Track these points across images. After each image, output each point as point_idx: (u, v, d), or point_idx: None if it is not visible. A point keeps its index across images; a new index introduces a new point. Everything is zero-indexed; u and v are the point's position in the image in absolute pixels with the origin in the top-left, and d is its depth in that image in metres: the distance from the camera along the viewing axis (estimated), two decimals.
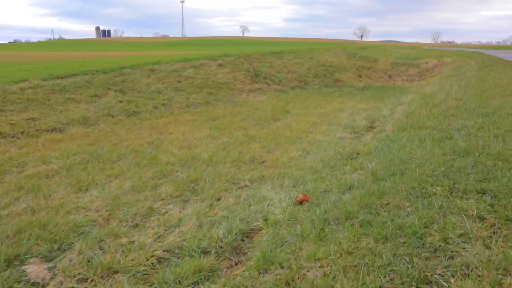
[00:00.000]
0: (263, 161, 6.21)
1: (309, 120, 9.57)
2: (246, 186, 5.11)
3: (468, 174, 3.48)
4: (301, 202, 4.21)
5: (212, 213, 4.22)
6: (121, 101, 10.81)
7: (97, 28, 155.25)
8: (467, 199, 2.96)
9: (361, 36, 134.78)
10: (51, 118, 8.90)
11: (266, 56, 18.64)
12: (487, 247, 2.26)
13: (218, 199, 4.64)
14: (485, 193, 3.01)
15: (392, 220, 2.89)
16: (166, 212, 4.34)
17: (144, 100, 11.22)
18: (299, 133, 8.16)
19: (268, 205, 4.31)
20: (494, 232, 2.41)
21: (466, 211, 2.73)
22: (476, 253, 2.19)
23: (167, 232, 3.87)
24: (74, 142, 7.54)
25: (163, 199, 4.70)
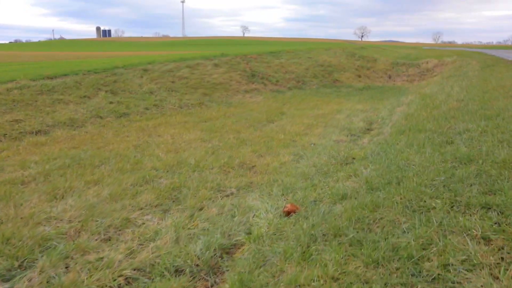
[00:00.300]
0: (252, 166, 5.87)
1: (304, 122, 9.23)
2: (232, 194, 4.77)
3: (471, 185, 3.14)
4: (288, 213, 3.88)
5: (192, 225, 3.89)
6: (111, 102, 10.48)
7: (98, 28, 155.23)
8: (470, 215, 2.62)
9: (362, 36, 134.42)
10: (37, 120, 8.58)
11: (264, 56, 18.30)
12: (495, 277, 1.93)
13: (201, 209, 4.31)
14: (490, 208, 2.67)
15: (385, 240, 2.56)
16: (143, 223, 4.01)
17: (135, 101, 10.89)
18: (293, 136, 7.82)
19: (253, 216, 3.98)
20: (502, 258, 2.07)
21: (469, 230, 2.39)
22: (482, 286, 1.86)
23: (140, 247, 3.54)
24: (57, 146, 7.21)
25: (141, 209, 4.37)
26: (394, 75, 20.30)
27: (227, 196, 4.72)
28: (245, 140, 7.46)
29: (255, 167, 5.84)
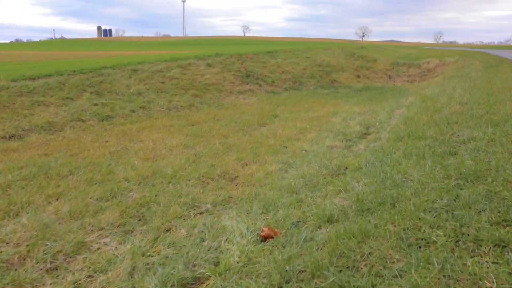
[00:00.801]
0: (235, 177, 5.33)
1: (298, 125, 8.68)
2: (207, 211, 4.24)
3: (480, 212, 2.59)
4: (265, 238, 3.34)
5: (153, 252, 3.35)
6: (95, 104, 9.96)
7: (99, 28, 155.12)
8: (481, 256, 2.08)
9: (363, 36, 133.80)
10: (12, 124, 8.05)
11: (260, 55, 17.75)
12: None
13: (168, 230, 3.77)
14: (505, 246, 2.13)
15: (373, 287, 2.01)
16: (99, 248, 3.47)
17: (121, 103, 10.36)
18: (284, 141, 7.28)
19: (225, 240, 3.44)
20: None
21: (480, 280, 1.85)
22: None
23: (89, 280, 3.01)
24: (29, 152, 6.68)
25: (102, 229, 3.84)
26: (394, 75, 19.74)
27: (201, 213, 4.18)
28: (231, 146, 6.93)
29: (238, 177, 5.30)
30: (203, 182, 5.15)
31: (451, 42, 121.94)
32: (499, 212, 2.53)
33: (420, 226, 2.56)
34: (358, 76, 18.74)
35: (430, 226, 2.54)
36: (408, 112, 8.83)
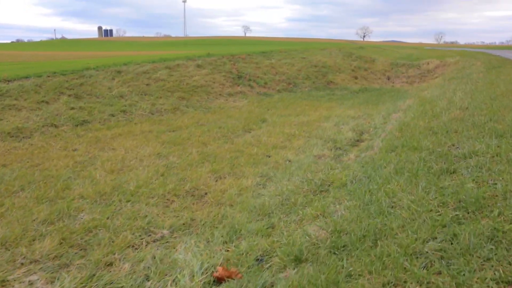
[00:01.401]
0: (205, 194, 4.72)
1: (286, 131, 8.06)
2: (162, 238, 3.62)
3: (483, 262, 1.97)
4: (219, 280, 2.73)
5: None
6: (72, 108, 9.35)
7: (99, 28, 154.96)
8: None
9: (364, 36, 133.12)
10: None
11: (254, 56, 17.12)
12: None
13: (109, 265, 3.16)
14: None
15: None
16: None
17: (101, 107, 9.76)
18: (268, 150, 6.66)
19: (173, 281, 2.83)
20: None
21: None
22: None
23: None
24: None
25: (33, 263, 3.23)
26: (393, 76, 19.10)
27: (155, 241, 3.57)
28: (209, 155, 6.31)
29: (208, 194, 4.68)
30: (167, 200, 4.53)
31: (452, 43, 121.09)
32: (509, 264, 1.90)
33: (405, 282, 1.94)
34: (356, 77, 18.10)
35: (417, 282, 1.92)
36: (405, 116, 8.21)
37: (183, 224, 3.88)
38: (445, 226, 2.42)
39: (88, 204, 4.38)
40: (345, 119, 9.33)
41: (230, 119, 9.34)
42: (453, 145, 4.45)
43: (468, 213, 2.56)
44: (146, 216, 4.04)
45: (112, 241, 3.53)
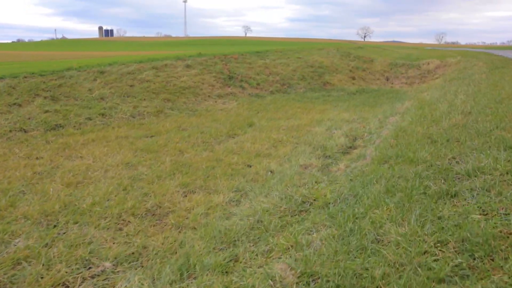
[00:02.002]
0: (167, 213, 4.10)
1: (273, 136, 7.44)
2: (102, 273, 3.00)
3: None
4: None
5: None
6: (46, 111, 8.74)
7: (100, 28, 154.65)
8: None
9: (364, 37, 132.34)
10: None
11: (247, 56, 16.48)
12: None
13: None
14: None
15: None
16: None
17: (78, 110, 9.14)
18: (251, 158, 6.04)
19: None
20: None
21: None
22: None
23: None
24: None
25: None
26: (392, 77, 18.45)
27: (93, 277, 2.95)
28: (183, 165, 5.69)
29: (171, 213, 4.06)
30: (122, 221, 3.91)
31: (453, 43, 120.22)
32: None
33: None
34: (353, 78, 17.46)
35: None
36: (402, 120, 7.58)
37: (132, 253, 3.26)
38: (443, 281, 1.79)
39: (30, 226, 3.76)
40: (339, 123, 8.70)
41: (215, 123, 8.71)
42: (454, 158, 3.82)
43: (475, 259, 1.93)
44: (91, 242, 3.42)
45: (41, 277, 2.91)
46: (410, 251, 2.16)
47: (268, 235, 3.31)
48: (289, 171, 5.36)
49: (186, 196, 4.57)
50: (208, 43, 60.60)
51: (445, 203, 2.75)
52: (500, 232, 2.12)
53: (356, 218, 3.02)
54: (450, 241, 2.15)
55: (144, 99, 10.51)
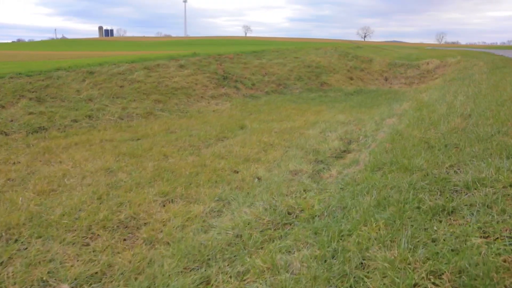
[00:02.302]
0: (142, 225, 3.78)
1: (264, 139, 7.12)
2: None
3: None
4: None
5: None
6: (31, 113, 8.43)
7: (100, 28, 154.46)
8: None
9: (365, 37, 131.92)
10: None
11: (242, 55, 16.16)
12: None
13: None
14: None
15: None
16: None
17: (64, 111, 8.83)
18: (237, 164, 5.72)
19: None
20: None
21: None
22: None
23: None
24: None
25: None
26: (391, 77, 18.13)
27: None
28: (166, 170, 5.38)
29: (145, 226, 3.75)
30: (91, 234, 3.59)
31: (453, 43, 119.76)
32: None
33: None
34: (351, 78, 17.14)
35: None
36: (399, 123, 7.27)
37: (96, 273, 2.94)
38: None
39: None
40: (334, 125, 8.38)
41: (205, 125, 8.40)
42: (452, 167, 3.50)
43: None
44: (53, 260, 3.11)
45: None
46: (398, 283, 1.84)
47: (246, 253, 2.99)
48: (277, 178, 5.04)
49: (164, 206, 4.25)
50: (207, 43, 60.29)
51: (441, 221, 2.43)
52: (504, 261, 1.80)
53: (342, 236, 2.70)
54: (445, 272, 1.83)
55: (134, 100, 10.20)
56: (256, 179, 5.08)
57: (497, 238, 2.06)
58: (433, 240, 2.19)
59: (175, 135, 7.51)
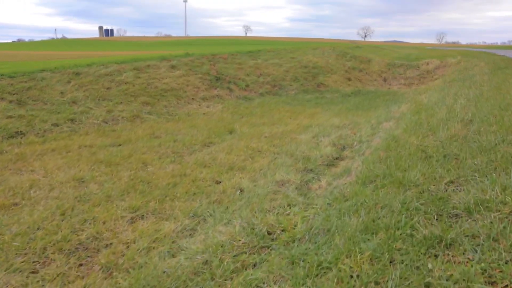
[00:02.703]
0: (103, 247, 3.37)
1: (252, 145, 6.71)
2: None
3: None
4: None
5: None
6: (9, 117, 8.02)
7: (100, 28, 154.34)
8: None
9: (365, 37, 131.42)
10: None
11: (237, 56, 15.75)
12: None
13: None
14: None
15: None
16: None
17: (46, 115, 8.42)
18: (221, 173, 5.31)
19: None
20: None
21: None
22: None
23: None
24: None
25: None
26: (390, 77, 17.71)
27: None
28: (142, 181, 4.97)
29: (105, 249, 3.33)
30: (44, 258, 3.19)
31: (453, 43, 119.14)
32: None
33: None
34: (349, 79, 16.72)
35: None
36: (396, 128, 6.87)
37: None
38: None
39: None
40: (328, 129, 7.97)
41: (192, 130, 7.98)
42: (452, 183, 3.09)
43: None
44: None
45: None
46: None
47: (212, 285, 2.58)
48: (261, 189, 4.63)
49: (133, 222, 3.85)
50: (207, 43, 59.90)
51: (437, 256, 2.02)
52: None
53: (321, 270, 2.29)
54: None
55: (121, 102, 9.79)
56: (238, 191, 4.67)
57: (506, 286, 1.64)
58: (427, 286, 1.77)
59: (159, 140, 7.09)
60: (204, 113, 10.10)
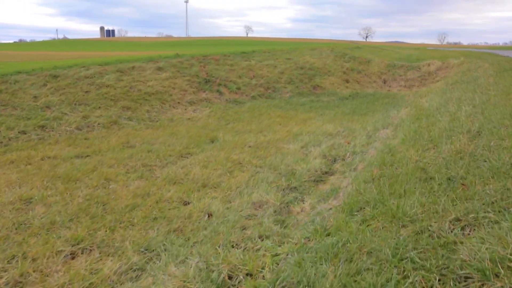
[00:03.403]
0: None
1: (233, 157, 6.03)
2: None
3: None
4: None
5: None
6: None
7: (101, 28, 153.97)
8: None
9: (366, 37, 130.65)
10: None
11: (230, 57, 15.07)
12: None
13: None
14: None
15: None
16: None
17: (13, 121, 7.76)
18: (191, 192, 4.64)
19: None
20: None
21: None
22: None
23: None
24: None
25: None
26: (389, 79, 17.01)
27: None
28: (98, 202, 4.30)
29: None
30: None
31: (455, 43, 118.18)
32: None
33: None
34: (347, 81, 16.03)
35: None
36: (394, 137, 6.20)
37: None
38: None
39: None
40: (319, 137, 7.29)
41: (172, 138, 7.31)
42: (459, 221, 2.41)
43: None
44: None
45: None
46: None
47: None
48: (233, 214, 3.96)
49: (72, 258, 3.18)
50: (208, 43, 59.24)
51: None
52: None
53: None
54: None
55: (99, 107, 9.13)
56: (206, 216, 3.99)
57: None
58: None
59: (132, 151, 6.42)
60: (188, 118, 9.44)
